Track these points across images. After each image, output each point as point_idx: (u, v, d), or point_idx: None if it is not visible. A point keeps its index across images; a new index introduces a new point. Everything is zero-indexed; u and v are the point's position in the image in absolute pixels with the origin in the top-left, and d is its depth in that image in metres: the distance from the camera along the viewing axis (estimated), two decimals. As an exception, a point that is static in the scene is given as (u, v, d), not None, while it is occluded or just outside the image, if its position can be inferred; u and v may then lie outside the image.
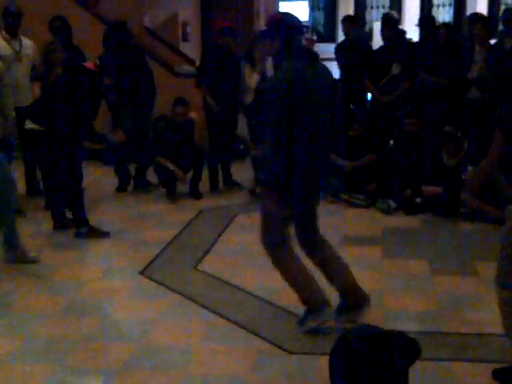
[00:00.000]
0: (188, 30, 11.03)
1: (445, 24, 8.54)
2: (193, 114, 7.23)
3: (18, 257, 5.13)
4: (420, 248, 5.54)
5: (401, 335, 1.71)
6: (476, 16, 7.91)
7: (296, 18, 3.84)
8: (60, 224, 5.94)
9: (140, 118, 7.16)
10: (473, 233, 5.92)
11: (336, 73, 8.24)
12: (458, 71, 7.10)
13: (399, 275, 4.91)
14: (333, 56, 8.67)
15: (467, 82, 7.07)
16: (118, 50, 6.97)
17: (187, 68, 8.83)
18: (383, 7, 19.02)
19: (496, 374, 3.49)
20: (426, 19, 8.19)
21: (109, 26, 7.38)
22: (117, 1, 9.46)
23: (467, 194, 6.09)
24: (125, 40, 7.04)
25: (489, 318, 4.13)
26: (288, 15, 3.85)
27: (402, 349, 1.67)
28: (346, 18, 8.63)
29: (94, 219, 5.93)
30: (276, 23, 3.74)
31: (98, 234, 5.77)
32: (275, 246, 4.00)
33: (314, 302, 3.99)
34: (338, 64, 8.19)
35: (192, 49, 10.73)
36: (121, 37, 7.01)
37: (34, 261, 5.15)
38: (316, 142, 3.73)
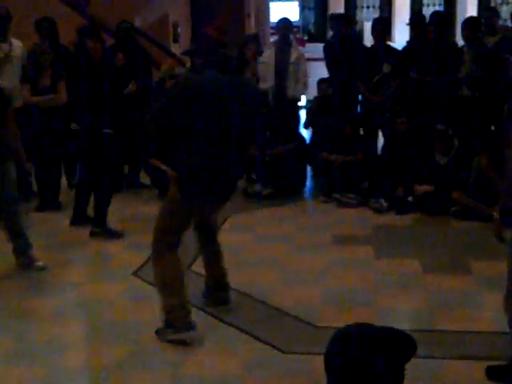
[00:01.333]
0: (179, 30, 11.02)
1: (434, 23, 8.55)
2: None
3: (26, 263, 5.10)
4: (412, 246, 5.56)
5: (397, 332, 1.72)
6: (466, 18, 7.97)
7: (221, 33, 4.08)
8: (80, 221, 6.00)
9: (133, 119, 7.17)
10: (465, 231, 5.96)
11: (323, 71, 8.25)
12: (447, 70, 7.13)
13: (391, 274, 4.93)
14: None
15: (457, 81, 7.10)
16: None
17: (178, 69, 8.82)
18: (373, 7, 19.07)
19: (490, 371, 3.50)
20: (418, 18, 8.20)
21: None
22: (107, 2, 9.45)
23: (459, 192, 6.14)
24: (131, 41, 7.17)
25: (481, 316, 4.16)
26: (216, 30, 4.07)
27: (399, 345, 1.68)
28: (333, 17, 8.62)
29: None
30: (203, 38, 4.05)
31: (113, 234, 5.82)
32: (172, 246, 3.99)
33: (177, 317, 3.92)
34: (326, 62, 8.15)
35: (182, 49, 10.71)
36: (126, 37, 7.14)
37: (41, 269, 5.09)
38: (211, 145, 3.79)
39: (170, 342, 3.88)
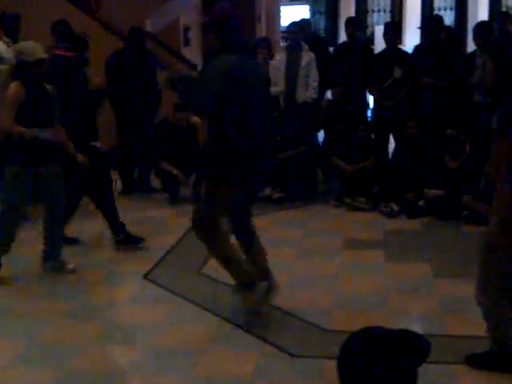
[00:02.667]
0: (189, 34, 11.05)
1: (446, 27, 8.56)
2: (195, 119, 7.26)
3: (56, 267, 5.12)
4: (423, 251, 5.55)
5: (411, 334, 1.71)
6: (477, 23, 7.94)
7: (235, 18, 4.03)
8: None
9: (143, 123, 7.20)
10: (475, 236, 5.91)
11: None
12: (458, 74, 7.12)
13: (402, 278, 4.92)
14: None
15: (470, 86, 7.09)
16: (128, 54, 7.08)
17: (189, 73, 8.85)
18: (384, 11, 19.04)
19: (470, 359, 3.65)
20: (430, 21, 8.16)
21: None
22: (119, 6, 9.49)
23: (470, 197, 6.12)
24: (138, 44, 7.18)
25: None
26: (231, 15, 4.01)
27: (413, 347, 1.67)
28: (350, 20, 8.59)
29: (98, 224, 5.95)
30: (219, 21, 3.94)
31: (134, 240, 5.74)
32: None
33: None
34: (337, 66, 8.13)
35: (193, 53, 10.75)
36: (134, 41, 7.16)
37: (72, 272, 5.11)
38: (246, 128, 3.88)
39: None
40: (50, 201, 5.00)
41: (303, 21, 8.57)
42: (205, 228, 4.10)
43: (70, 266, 5.12)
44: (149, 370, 3.69)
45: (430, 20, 8.41)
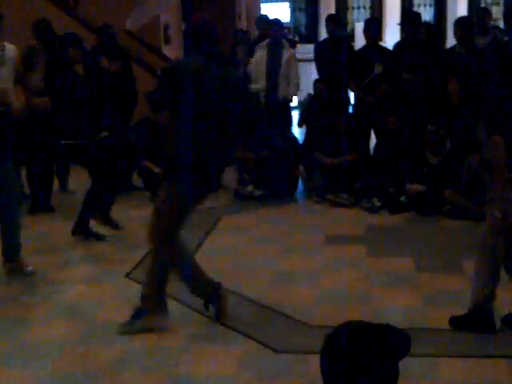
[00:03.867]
0: (170, 32, 11.01)
1: (425, 23, 8.60)
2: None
3: (16, 269, 5.04)
4: (405, 246, 5.58)
5: (392, 328, 1.71)
6: (458, 18, 7.98)
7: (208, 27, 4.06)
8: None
9: (123, 121, 7.16)
10: (457, 230, 5.97)
11: (314, 72, 8.26)
12: (437, 70, 7.15)
13: (384, 273, 4.94)
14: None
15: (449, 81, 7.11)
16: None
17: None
18: (364, 7, 19.09)
19: (453, 320, 3.99)
20: (410, 17, 8.18)
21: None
22: (97, 3, 9.44)
23: (451, 192, 6.16)
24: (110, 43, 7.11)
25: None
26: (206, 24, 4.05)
27: (394, 342, 1.67)
28: (330, 18, 8.60)
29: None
30: (196, 29, 4.01)
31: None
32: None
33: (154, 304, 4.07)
34: (317, 63, 8.15)
35: (174, 51, 10.71)
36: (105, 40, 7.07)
37: (31, 275, 5.03)
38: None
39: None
40: (5, 201, 4.92)
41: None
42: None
43: (29, 268, 5.03)
44: (132, 369, 3.67)
45: (409, 16, 8.43)
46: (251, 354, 3.78)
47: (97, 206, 5.88)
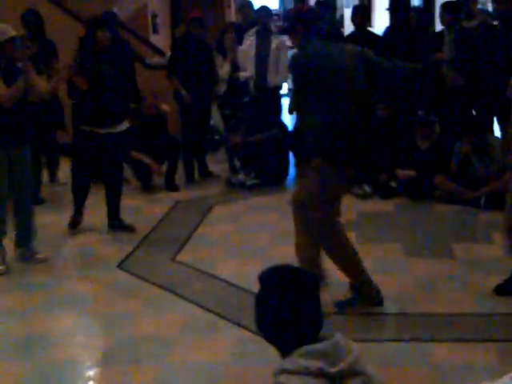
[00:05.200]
0: (158, 21, 10.95)
1: (415, 8, 8.58)
2: (164, 106, 7.21)
3: (26, 255, 5.07)
4: (396, 231, 5.59)
5: (302, 271, 2.08)
6: (444, 2, 7.95)
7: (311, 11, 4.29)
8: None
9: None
10: (447, 215, 5.99)
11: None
12: (428, 54, 7.13)
13: (375, 258, 4.94)
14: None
15: (439, 66, 7.10)
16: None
17: (158, 60, 8.77)
18: (353, -7, 19.04)
19: (499, 288, 4.17)
20: (398, 2, 8.15)
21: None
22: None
23: (441, 177, 6.17)
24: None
25: (464, 298, 4.19)
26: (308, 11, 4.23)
27: (304, 282, 2.00)
28: (319, 4, 8.57)
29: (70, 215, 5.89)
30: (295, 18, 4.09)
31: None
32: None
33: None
34: None
35: (162, 40, 10.66)
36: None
37: (43, 261, 5.08)
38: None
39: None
40: (20, 186, 4.94)
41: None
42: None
43: (41, 256, 5.08)
44: (125, 359, 3.68)
45: (397, 1, 8.40)
46: (243, 343, 3.78)
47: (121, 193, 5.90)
